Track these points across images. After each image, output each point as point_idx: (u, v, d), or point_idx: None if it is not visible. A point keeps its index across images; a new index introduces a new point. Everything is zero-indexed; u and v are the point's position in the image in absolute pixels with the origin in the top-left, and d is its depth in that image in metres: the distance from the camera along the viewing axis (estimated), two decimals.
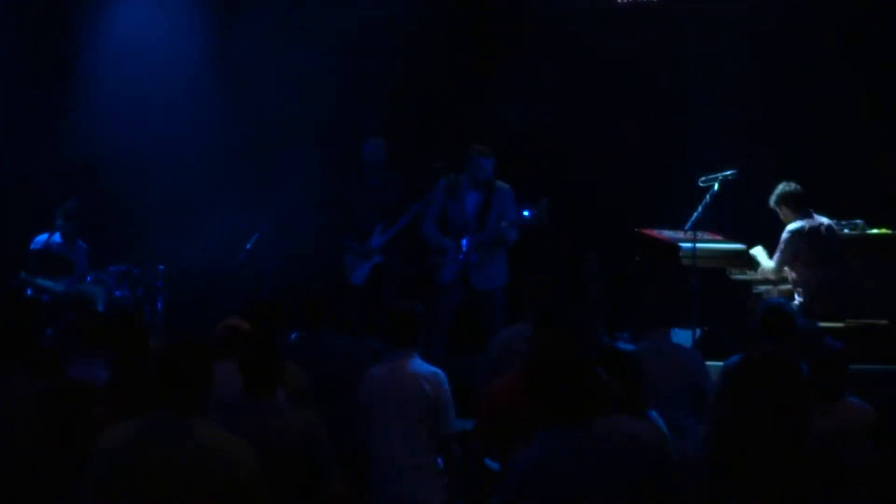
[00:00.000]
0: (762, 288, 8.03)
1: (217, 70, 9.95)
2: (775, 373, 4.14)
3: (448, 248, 8.54)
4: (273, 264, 8.92)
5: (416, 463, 5.35)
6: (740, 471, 4.04)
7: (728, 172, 7.92)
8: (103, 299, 8.43)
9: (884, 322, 7.75)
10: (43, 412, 4.38)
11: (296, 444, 4.44)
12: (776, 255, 7.86)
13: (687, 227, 7.99)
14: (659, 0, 9.86)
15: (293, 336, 6.58)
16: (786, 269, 7.93)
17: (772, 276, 7.96)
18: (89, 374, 5.36)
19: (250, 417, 4.48)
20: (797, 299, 7.85)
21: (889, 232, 8.16)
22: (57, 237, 8.85)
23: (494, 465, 5.25)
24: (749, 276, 8.24)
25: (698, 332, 7.79)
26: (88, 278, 8.67)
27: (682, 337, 7.46)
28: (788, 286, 7.94)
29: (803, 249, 7.77)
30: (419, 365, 5.49)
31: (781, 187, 7.93)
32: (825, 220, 7.92)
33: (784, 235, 7.80)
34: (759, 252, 8.13)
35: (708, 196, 7.91)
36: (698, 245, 7.95)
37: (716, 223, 8.31)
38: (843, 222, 8.15)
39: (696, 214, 7.94)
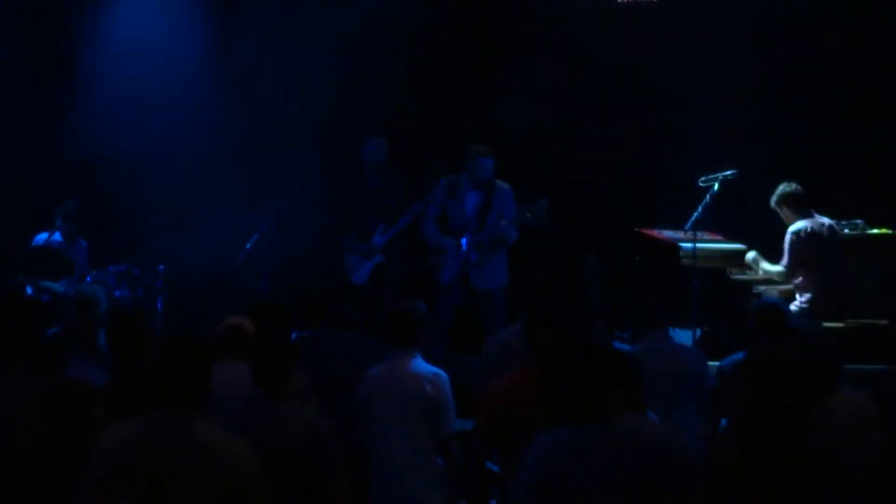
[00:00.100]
0: (762, 288, 8.03)
1: (217, 70, 9.94)
2: (775, 373, 4.15)
3: (448, 247, 8.54)
4: (273, 264, 8.92)
5: (416, 463, 5.35)
6: (742, 471, 4.05)
7: (728, 172, 7.92)
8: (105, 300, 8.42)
9: (884, 322, 7.75)
10: (43, 412, 4.38)
11: (301, 443, 4.43)
12: (784, 258, 7.80)
13: (687, 227, 7.99)
14: (659, 0, 9.85)
15: (293, 336, 6.58)
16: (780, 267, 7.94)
17: (781, 280, 7.90)
18: (89, 374, 5.36)
19: (257, 416, 4.48)
20: (798, 299, 7.85)
21: (889, 232, 8.16)
22: (57, 236, 8.85)
23: (495, 468, 5.25)
24: (749, 276, 8.24)
25: (698, 332, 7.79)
26: (88, 278, 8.66)
27: (682, 337, 7.47)
28: (789, 286, 7.93)
29: (805, 250, 7.76)
30: (420, 365, 5.49)
31: (782, 188, 7.93)
32: (826, 221, 7.92)
33: (788, 237, 7.79)
34: (756, 257, 8.10)
35: (708, 196, 7.91)
36: (698, 245, 7.95)
37: (716, 223, 8.32)
38: (843, 222, 8.15)
39: (696, 214, 7.94)
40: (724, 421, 5.54)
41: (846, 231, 8.14)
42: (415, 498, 5.32)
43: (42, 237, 8.82)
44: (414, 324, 5.53)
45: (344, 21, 9.78)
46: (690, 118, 9.31)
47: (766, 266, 7.99)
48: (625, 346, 5.24)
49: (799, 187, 7.90)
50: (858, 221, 8.20)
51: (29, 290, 8.36)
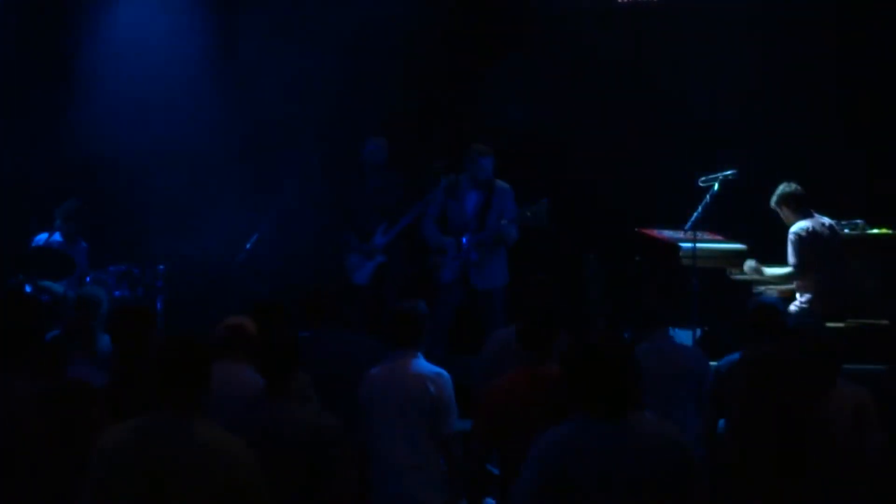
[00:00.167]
0: (762, 288, 8.02)
1: (217, 70, 9.94)
2: (775, 372, 4.15)
3: (448, 247, 8.55)
4: (273, 264, 8.92)
5: (417, 463, 5.35)
6: (744, 470, 4.05)
7: (728, 172, 7.92)
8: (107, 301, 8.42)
9: (884, 322, 7.74)
10: (43, 412, 4.38)
11: (307, 442, 4.42)
12: (791, 259, 7.77)
13: (687, 227, 7.99)
14: (659, 0, 9.85)
15: None
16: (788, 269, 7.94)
17: (789, 281, 7.85)
18: (89, 375, 5.36)
19: (263, 415, 4.48)
20: (798, 299, 7.85)
21: (889, 232, 8.16)
22: (57, 237, 8.85)
23: (495, 470, 5.25)
24: (749, 276, 8.23)
25: (698, 332, 7.79)
26: (88, 278, 8.66)
27: (682, 337, 7.47)
28: (789, 286, 7.93)
29: (807, 249, 7.76)
30: (423, 365, 5.49)
31: (782, 188, 7.93)
32: (826, 220, 7.93)
33: (791, 237, 7.78)
34: (755, 265, 8.08)
35: (708, 196, 7.91)
36: (698, 245, 7.95)
37: (716, 223, 8.32)
38: (843, 222, 8.14)
39: (696, 214, 7.94)
40: (721, 422, 5.56)
41: (846, 231, 8.14)
42: (416, 498, 5.33)
43: (42, 237, 8.82)
44: (415, 324, 5.53)
45: (344, 21, 9.79)
46: (690, 118, 9.31)
47: (770, 272, 7.94)
48: None
49: (799, 187, 7.90)
50: (858, 221, 8.19)
51: (28, 290, 8.36)
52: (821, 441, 4.30)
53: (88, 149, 9.53)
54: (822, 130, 9.07)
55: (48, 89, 9.87)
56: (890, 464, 4.55)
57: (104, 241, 9.28)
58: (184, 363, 3.80)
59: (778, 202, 7.93)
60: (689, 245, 7.97)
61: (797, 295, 7.87)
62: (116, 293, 8.60)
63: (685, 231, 8.03)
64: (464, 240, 8.48)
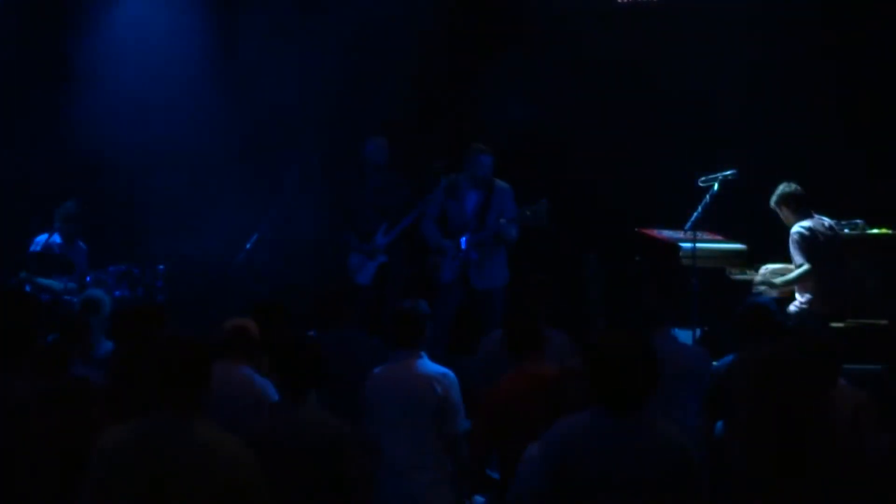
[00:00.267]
0: (762, 288, 8.02)
1: (217, 70, 9.94)
2: (777, 372, 4.15)
3: (447, 247, 8.55)
4: (273, 264, 8.91)
5: (424, 463, 5.34)
6: (750, 470, 4.05)
7: (728, 172, 7.92)
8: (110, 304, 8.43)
9: (884, 322, 7.74)
10: (43, 412, 4.38)
11: (328, 449, 4.42)
12: (799, 258, 7.74)
13: (687, 227, 7.99)
14: (659, 0, 9.85)
15: None
16: (789, 266, 7.93)
17: (804, 280, 7.80)
18: (87, 375, 5.36)
19: (284, 420, 4.48)
20: (798, 299, 7.85)
21: (889, 232, 8.15)
22: (56, 237, 8.84)
23: (495, 474, 5.25)
24: (749, 275, 8.24)
25: (698, 332, 7.79)
26: (88, 278, 8.66)
27: (682, 337, 7.44)
28: (789, 287, 7.92)
29: (810, 248, 7.76)
30: (428, 365, 5.49)
31: (782, 188, 7.92)
32: (826, 220, 7.93)
33: (795, 237, 7.77)
34: (766, 276, 8.07)
35: (708, 196, 7.91)
36: (698, 245, 7.96)
37: (716, 223, 8.32)
38: (843, 222, 8.14)
39: (696, 214, 7.94)
40: (719, 423, 5.56)
41: (846, 231, 8.13)
42: (423, 498, 5.31)
43: (42, 238, 8.82)
44: (418, 324, 5.53)
45: (344, 21, 9.79)
46: (690, 118, 9.30)
47: (784, 278, 7.89)
48: None
49: (799, 187, 7.90)
50: (858, 221, 8.19)
51: (27, 288, 8.36)
52: (823, 441, 4.29)
53: (88, 149, 9.53)
54: (822, 130, 9.05)
55: (48, 89, 9.87)
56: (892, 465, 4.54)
57: (104, 241, 9.28)
58: (184, 363, 3.79)
59: (778, 202, 7.92)
60: (688, 245, 7.98)
61: (797, 295, 7.86)
62: (116, 293, 8.60)
63: (685, 231, 8.03)
64: (463, 240, 8.49)
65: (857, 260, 8.01)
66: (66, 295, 8.35)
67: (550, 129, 9.65)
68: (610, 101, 9.72)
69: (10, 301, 5.56)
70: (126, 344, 5.61)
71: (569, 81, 9.71)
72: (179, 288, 9.13)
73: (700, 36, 9.41)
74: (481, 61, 9.84)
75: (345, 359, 5.94)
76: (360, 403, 5.49)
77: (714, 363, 5.98)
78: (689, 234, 7.95)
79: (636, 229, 8.62)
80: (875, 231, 8.20)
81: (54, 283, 8.50)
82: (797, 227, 7.80)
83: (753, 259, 8.39)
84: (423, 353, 5.52)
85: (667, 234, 8.46)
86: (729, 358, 5.73)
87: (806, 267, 7.73)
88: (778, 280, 7.92)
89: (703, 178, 8.01)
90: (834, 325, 7.60)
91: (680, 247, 8.16)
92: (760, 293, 7.90)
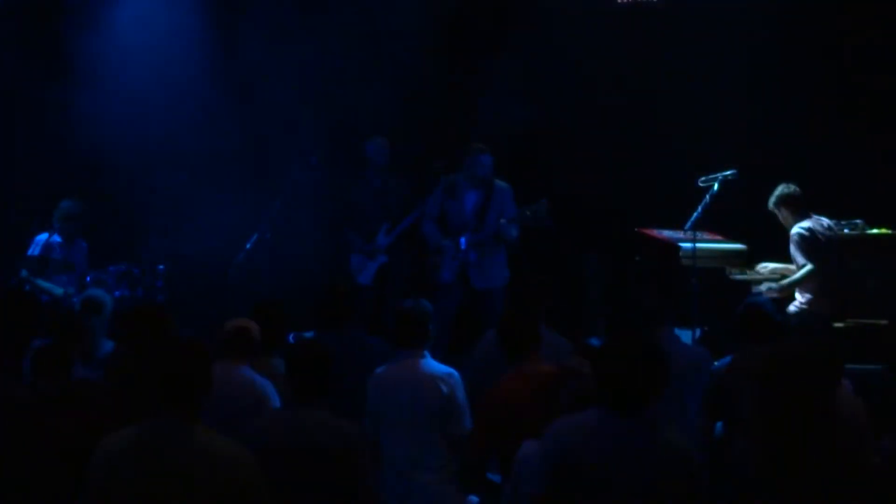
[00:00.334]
0: (762, 288, 8.02)
1: (217, 70, 9.94)
2: (786, 372, 4.15)
3: (447, 247, 8.55)
4: (273, 264, 8.91)
5: (428, 464, 5.33)
6: (764, 470, 4.05)
7: (728, 172, 7.92)
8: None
9: (884, 322, 7.74)
10: (43, 413, 4.38)
11: (337, 449, 4.42)
12: (802, 258, 7.74)
13: (687, 227, 7.99)
14: (659, 0, 9.85)
15: (290, 337, 6.58)
16: (789, 266, 7.93)
17: (810, 279, 7.80)
18: (87, 376, 5.36)
19: (293, 421, 4.47)
20: (798, 299, 7.85)
21: (889, 232, 8.15)
22: (56, 237, 8.84)
23: (496, 478, 5.25)
24: (749, 275, 8.24)
25: (698, 332, 7.79)
26: (88, 278, 8.66)
27: (682, 337, 7.45)
28: (789, 288, 7.93)
29: (811, 248, 7.76)
30: (433, 365, 5.47)
31: (781, 189, 7.93)
32: (825, 221, 7.93)
33: (795, 238, 7.77)
34: (769, 268, 8.08)
35: (708, 196, 7.91)
36: (698, 245, 7.96)
37: (716, 223, 8.32)
38: (843, 222, 8.14)
39: (695, 214, 7.94)
40: (719, 424, 5.56)
41: (846, 231, 8.13)
42: (427, 499, 5.30)
43: (42, 238, 8.81)
44: (422, 323, 5.51)
45: (344, 21, 9.79)
46: (690, 118, 9.30)
47: (788, 280, 7.88)
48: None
49: (797, 188, 7.90)
50: (858, 221, 8.19)
51: (27, 288, 8.36)
52: (827, 441, 4.29)
53: (89, 148, 9.53)
54: (822, 130, 9.05)
55: (48, 89, 9.86)
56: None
57: (104, 241, 9.27)
58: (184, 366, 3.79)
59: (777, 203, 7.92)
60: (688, 245, 7.98)
61: (797, 295, 7.87)
62: (116, 293, 8.60)
63: (685, 231, 8.04)
64: (462, 240, 8.49)
65: (856, 260, 8.01)
66: (66, 301, 8.34)
67: (550, 129, 9.65)
68: (610, 101, 9.72)
69: (9, 301, 5.57)
70: (127, 345, 5.61)
71: (569, 81, 9.71)
72: (179, 288, 9.13)
73: (700, 36, 9.41)
74: (481, 61, 9.84)
75: (346, 359, 5.93)
76: (361, 404, 5.47)
77: (715, 364, 5.97)
78: (689, 234, 7.95)
79: (636, 229, 8.62)
80: (875, 231, 8.20)
81: (54, 288, 8.49)
82: (797, 228, 7.80)
83: (753, 259, 8.39)
84: (426, 353, 5.51)
85: (667, 234, 8.46)
86: (729, 358, 5.72)
87: (809, 267, 7.73)
88: (782, 283, 7.91)
89: (703, 178, 8.01)
90: (834, 324, 7.60)
91: (680, 247, 8.16)
92: (760, 293, 7.91)
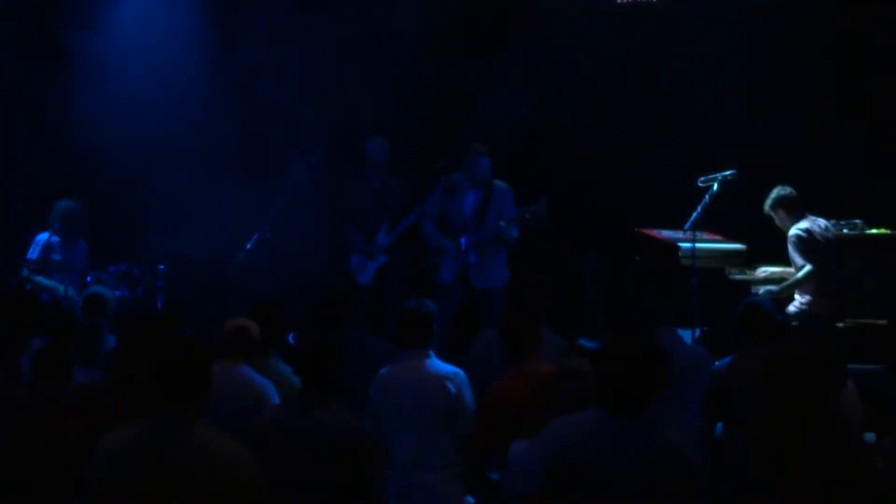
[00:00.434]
0: (762, 288, 8.02)
1: (217, 70, 9.94)
2: (790, 372, 4.15)
3: (447, 248, 8.55)
4: (273, 264, 8.91)
5: (433, 464, 5.32)
6: (767, 471, 4.05)
7: (728, 172, 7.92)
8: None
9: (883, 322, 7.75)
10: (42, 414, 4.39)
11: (346, 445, 4.42)
12: (801, 260, 7.74)
13: (686, 227, 7.99)
14: (659, 0, 9.85)
15: (290, 337, 6.57)
16: (787, 269, 7.94)
17: (810, 280, 7.79)
18: (90, 376, 5.36)
19: (302, 417, 4.47)
20: (797, 299, 7.85)
21: (888, 232, 8.16)
22: (55, 237, 8.83)
23: (495, 476, 5.24)
24: (749, 276, 8.24)
25: (698, 332, 7.79)
26: (89, 278, 8.66)
27: (682, 337, 7.46)
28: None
29: (809, 249, 7.76)
30: (439, 365, 5.46)
31: (777, 191, 7.93)
32: (822, 221, 7.93)
33: (793, 240, 7.77)
34: (769, 272, 8.09)
35: (707, 196, 7.91)
36: (698, 245, 7.96)
37: (715, 223, 8.32)
38: (843, 222, 8.14)
39: (695, 214, 7.94)
40: (719, 424, 5.56)
41: (845, 231, 8.14)
42: (433, 499, 5.29)
43: (42, 238, 8.81)
44: (427, 323, 5.50)
45: (344, 21, 9.79)
46: (690, 118, 9.30)
47: (788, 282, 7.87)
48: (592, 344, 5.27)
49: (793, 190, 7.91)
50: (857, 221, 8.19)
51: (27, 287, 8.36)
52: (830, 441, 4.29)
53: (89, 149, 9.53)
54: (822, 130, 9.06)
55: (48, 89, 9.86)
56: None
57: (104, 241, 9.27)
58: (184, 365, 3.79)
59: (773, 205, 7.92)
60: (688, 245, 7.98)
61: (796, 295, 7.87)
62: (117, 293, 8.59)
63: (685, 231, 8.04)
64: (462, 241, 8.49)
65: (855, 260, 8.01)
66: (66, 301, 8.34)
67: (550, 129, 9.65)
68: (610, 101, 9.72)
69: (10, 301, 5.57)
70: (127, 344, 5.62)
71: (569, 81, 9.71)
72: (179, 288, 9.13)
73: (700, 36, 9.41)
74: (481, 61, 9.84)
75: (346, 359, 5.92)
76: (362, 404, 5.47)
77: (715, 365, 5.97)
78: (689, 234, 7.95)
79: (636, 229, 8.62)
80: (874, 231, 8.20)
81: (56, 286, 8.49)
82: (794, 230, 7.80)
83: (753, 259, 8.39)
84: (431, 353, 5.50)
85: (666, 234, 8.46)
86: (730, 358, 5.72)
87: (808, 268, 7.73)
88: (781, 285, 7.90)
89: (702, 178, 8.01)
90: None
91: (679, 247, 8.17)
92: (760, 293, 7.91)
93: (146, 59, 9.82)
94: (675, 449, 3.84)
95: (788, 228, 7.84)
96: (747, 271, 8.29)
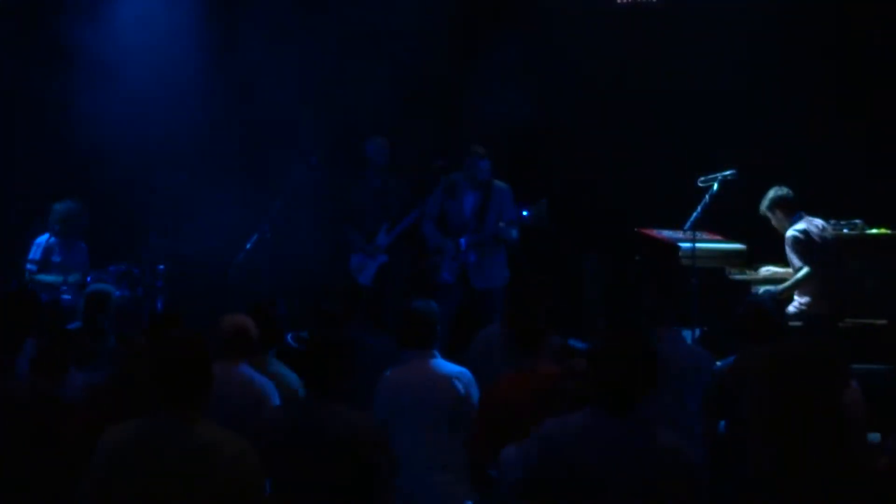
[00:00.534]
0: (762, 288, 8.03)
1: (218, 69, 9.94)
2: (794, 372, 4.15)
3: (447, 248, 8.55)
4: (273, 264, 8.91)
5: (443, 463, 5.30)
6: (775, 471, 4.05)
7: (728, 172, 7.92)
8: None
9: (883, 322, 7.75)
10: (41, 413, 4.38)
11: (356, 443, 4.41)
12: (798, 261, 7.74)
13: (686, 227, 7.99)
14: (659, 0, 9.85)
15: (288, 337, 6.58)
16: (788, 270, 7.94)
17: (808, 282, 7.80)
18: (90, 374, 5.36)
19: (310, 416, 4.47)
20: (797, 300, 7.85)
21: (888, 232, 8.16)
22: (54, 239, 8.83)
23: (495, 473, 5.24)
24: (749, 276, 8.24)
25: (698, 332, 7.79)
26: (89, 278, 8.66)
27: (685, 337, 7.46)
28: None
29: (807, 250, 7.76)
30: (445, 365, 5.45)
31: (773, 192, 7.93)
32: (820, 222, 7.94)
33: (791, 241, 7.78)
34: (770, 271, 8.09)
35: (707, 196, 7.91)
36: (698, 245, 7.96)
37: (715, 223, 8.32)
38: (843, 222, 8.15)
39: (695, 214, 7.95)
40: (721, 424, 5.55)
41: (845, 231, 8.14)
42: (443, 497, 5.29)
43: (42, 239, 8.81)
44: (431, 323, 5.49)
45: (344, 21, 9.79)
46: (690, 118, 9.30)
47: (786, 284, 7.88)
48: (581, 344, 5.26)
49: (789, 190, 7.91)
50: (857, 221, 8.19)
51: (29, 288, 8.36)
52: (832, 441, 4.29)
53: (88, 148, 9.52)
54: (822, 130, 9.06)
55: (48, 88, 9.86)
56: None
57: (104, 241, 9.27)
58: (184, 363, 3.79)
59: (770, 206, 7.93)
60: (688, 245, 7.98)
61: (796, 296, 7.87)
62: (116, 293, 8.59)
63: (685, 231, 8.04)
64: (462, 241, 8.49)
65: (855, 260, 8.01)
66: (66, 295, 8.33)
67: (550, 128, 9.65)
68: (610, 101, 9.72)
69: (9, 300, 5.57)
70: (127, 344, 5.62)
71: (569, 81, 9.71)
72: (179, 288, 9.13)
73: (700, 36, 9.41)
74: (481, 61, 9.85)
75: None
76: (362, 404, 5.46)
77: (716, 365, 5.96)
78: (689, 234, 7.95)
79: (636, 229, 8.62)
80: (874, 231, 8.20)
81: (57, 279, 8.49)
82: (792, 231, 7.80)
83: (753, 259, 8.39)
84: (436, 353, 5.48)
85: (666, 234, 8.46)
86: (732, 358, 5.72)
87: (806, 270, 7.74)
88: (780, 287, 7.90)
89: (702, 178, 8.01)
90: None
91: (680, 247, 8.17)
92: (759, 293, 7.91)
93: (146, 58, 9.81)
94: (670, 448, 3.83)
95: (785, 229, 7.84)
96: (747, 271, 8.29)
